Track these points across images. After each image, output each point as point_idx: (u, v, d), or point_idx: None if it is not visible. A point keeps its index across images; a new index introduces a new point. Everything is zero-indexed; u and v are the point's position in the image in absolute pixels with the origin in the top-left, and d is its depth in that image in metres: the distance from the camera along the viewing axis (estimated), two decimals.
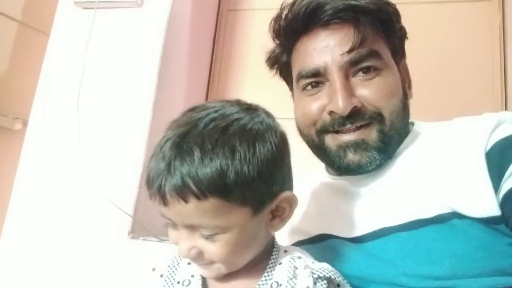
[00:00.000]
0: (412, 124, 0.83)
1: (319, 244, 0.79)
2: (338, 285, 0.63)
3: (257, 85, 1.68)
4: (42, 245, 1.37)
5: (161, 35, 1.48)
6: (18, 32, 1.75)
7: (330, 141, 0.77)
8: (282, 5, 0.80)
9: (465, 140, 0.71)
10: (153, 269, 0.69)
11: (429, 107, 1.44)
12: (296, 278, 0.60)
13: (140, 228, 1.33)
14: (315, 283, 0.60)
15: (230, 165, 0.53)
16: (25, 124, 1.56)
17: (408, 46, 0.85)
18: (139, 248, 1.31)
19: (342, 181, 0.82)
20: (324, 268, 0.62)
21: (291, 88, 0.88)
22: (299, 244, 0.82)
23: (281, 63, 0.86)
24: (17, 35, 1.75)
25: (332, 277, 0.61)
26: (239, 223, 0.57)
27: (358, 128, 0.74)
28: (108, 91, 1.48)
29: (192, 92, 1.72)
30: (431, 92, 1.57)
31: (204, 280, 0.64)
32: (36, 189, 1.43)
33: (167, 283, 0.64)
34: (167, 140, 0.57)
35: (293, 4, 0.78)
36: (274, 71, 0.89)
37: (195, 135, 0.55)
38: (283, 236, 0.83)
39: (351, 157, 0.74)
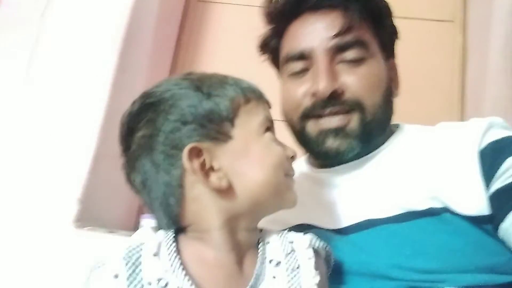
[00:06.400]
0: (398, 126, 0.84)
1: None
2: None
3: None
4: None
5: (126, 14, 1.39)
6: None
7: (311, 127, 0.76)
8: None
9: (458, 139, 0.71)
10: (96, 268, 0.53)
11: None
12: (294, 251, 0.57)
13: (87, 217, 1.21)
14: None
15: None
16: None
17: None
18: (85, 239, 1.18)
19: (324, 174, 0.80)
20: (314, 239, 0.60)
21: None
22: None
23: (271, 48, 0.86)
24: None
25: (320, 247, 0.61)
26: None
27: (339, 113, 0.73)
28: (62, 70, 1.36)
29: (153, 80, 1.62)
30: None
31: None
32: None
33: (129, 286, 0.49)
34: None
35: None
36: (266, 57, 0.89)
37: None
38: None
39: (331, 142, 0.73)
